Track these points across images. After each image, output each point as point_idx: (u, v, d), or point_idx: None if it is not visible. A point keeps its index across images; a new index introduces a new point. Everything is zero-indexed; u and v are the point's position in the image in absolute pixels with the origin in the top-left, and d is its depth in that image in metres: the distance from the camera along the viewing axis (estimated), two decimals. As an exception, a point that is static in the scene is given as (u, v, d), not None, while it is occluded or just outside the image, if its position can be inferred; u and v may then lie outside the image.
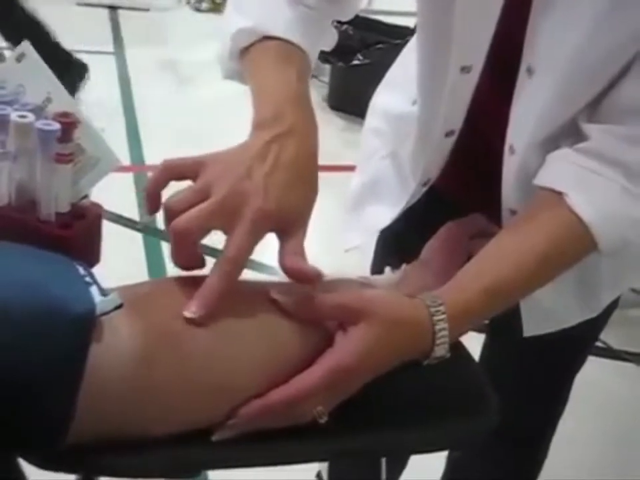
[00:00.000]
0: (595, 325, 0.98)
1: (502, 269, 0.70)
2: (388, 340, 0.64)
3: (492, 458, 1.12)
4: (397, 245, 1.03)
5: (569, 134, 0.76)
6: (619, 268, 0.88)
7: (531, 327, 0.89)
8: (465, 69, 0.79)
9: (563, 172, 0.73)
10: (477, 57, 0.78)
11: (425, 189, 0.93)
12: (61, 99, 0.68)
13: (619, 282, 0.91)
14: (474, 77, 0.80)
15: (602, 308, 0.92)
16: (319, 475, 1.38)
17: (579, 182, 0.72)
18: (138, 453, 0.59)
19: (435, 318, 0.66)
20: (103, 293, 0.56)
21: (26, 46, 0.68)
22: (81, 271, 0.58)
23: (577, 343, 1.03)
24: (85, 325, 0.54)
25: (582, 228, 0.70)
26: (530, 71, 0.74)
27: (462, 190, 0.92)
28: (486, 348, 1.09)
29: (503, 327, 0.94)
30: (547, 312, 0.88)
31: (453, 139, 0.86)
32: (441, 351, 0.67)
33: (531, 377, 1.06)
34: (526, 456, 1.16)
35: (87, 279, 0.57)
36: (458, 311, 0.67)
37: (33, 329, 0.52)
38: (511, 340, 0.97)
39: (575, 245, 0.72)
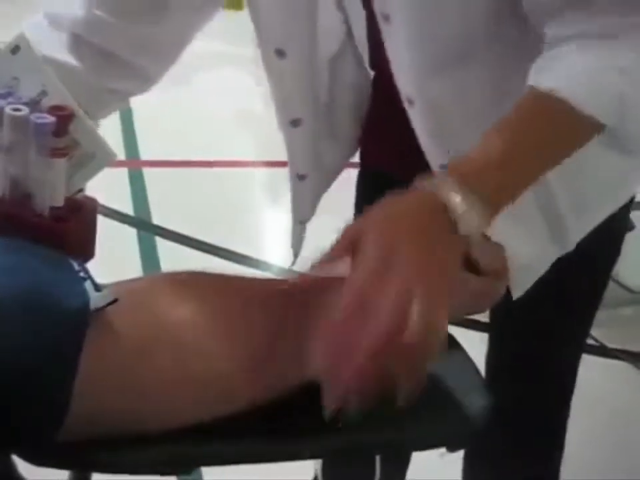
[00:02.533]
0: (584, 317, 1.01)
1: (495, 137, 0.68)
2: (395, 214, 0.61)
3: (509, 466, 1.12)
4: None
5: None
6: (576, 191, 0.84)
7: (518, 289, 0.86)
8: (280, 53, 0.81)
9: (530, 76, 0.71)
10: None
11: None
12: (55, 93, 0.68)
13: (581, 209, 0.87)
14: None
15: (573, 241, 0.87)
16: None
17: (541, 69, 0.70)
18: (131, 449, 0.59)
19: (438, 182, 0.63)
20: (97, 288, 0.56)
21: (21, 38, 0.68)
22: (75, 266, 0.58)
23: (568, 335, 1.04)
24: (79, 320, 0.53)
25: (558, 99, 0.67)
26: (385, 17, 0.75)
27: (394, 159, 0.92)
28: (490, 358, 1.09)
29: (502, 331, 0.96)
30: (526, 267, 0.86)
31: (301, 128, 0.86)
32: (472, 220, 0.62)
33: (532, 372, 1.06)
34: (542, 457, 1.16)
35: (81, 274, 0.57)
36: (465, 170, 0.64)
37: (27, 324, 0.52)
38: (510, 342, 0.99)
39: (562, 120, 0.69)
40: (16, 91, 0.67)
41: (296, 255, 0.99)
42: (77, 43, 0.81)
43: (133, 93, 0.91)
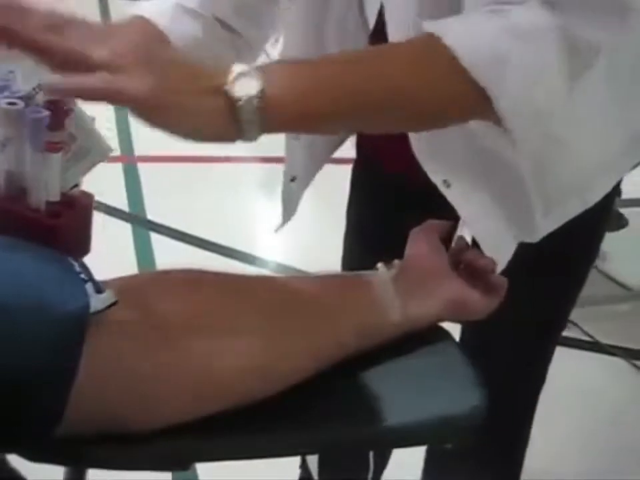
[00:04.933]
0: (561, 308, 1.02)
1: (333, 64, 0.67)
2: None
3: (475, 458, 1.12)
4: (373, 241, 1.04)
5: None
6: (543, 175, 0.85)
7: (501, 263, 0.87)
8: None
9: None
10: None
11: None
12: None
13: (549, 200, 0.88)
14: None
15: (539, 231, 0.88)
16: (304, 465, 1.37)
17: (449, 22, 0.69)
18: (127, 445, 0.59)
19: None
20: (99, 289, 0.55)
21: None
22: (77, 267, 0.57)
23: (543, 329, 1.04)
24: (78, 324, 0.53)
25: (435, 42, 0.66)
26: None
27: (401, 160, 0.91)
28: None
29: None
30: (495, 243, 0.86)
31: None
32: (244, 91, 0.59)
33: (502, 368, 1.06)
34: (506, 453, 1.15)
35: (83, 275, 0.56)
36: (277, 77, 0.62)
37: (26, 327, 0.51)
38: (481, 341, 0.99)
39: (429, 61, 0.67)
40: (12, 85, 0.67)
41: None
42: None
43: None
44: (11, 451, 0.56)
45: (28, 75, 0.67)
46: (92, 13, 4.19)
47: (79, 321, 0.53)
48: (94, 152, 0.69)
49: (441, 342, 0.75)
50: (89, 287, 0.55)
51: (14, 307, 0.51)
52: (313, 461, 1.19)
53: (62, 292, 0.54)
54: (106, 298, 0.55)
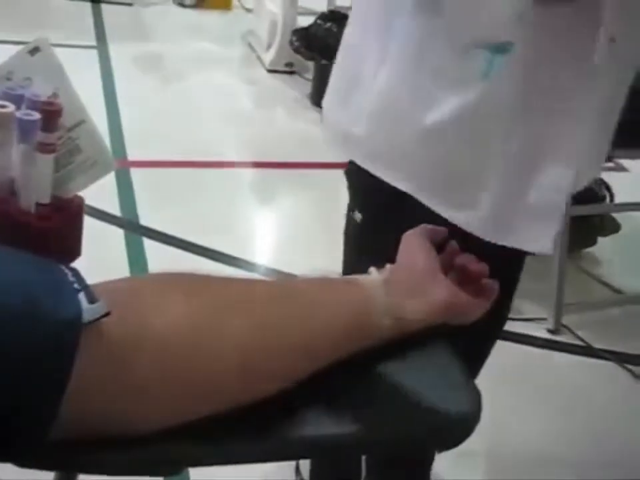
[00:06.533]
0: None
1: None
2: None
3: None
4: (371, 243, 1.04)
5: None
6: None
7: None
8: None
9: None
10: None
11: None
12: (67, 96, 0.68)
13: None
14: None
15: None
16: (297, 469, 1.37)
17: None
18: (118, 450, 0.59)
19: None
20: (91, 299, 0.55)
21: (43, 41, 0.68)
22: (70, 276, 0.57)
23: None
24: (71, 334, 0.53)
25: None
26: None
27: None
28: None
29: None
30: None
31: None
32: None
33: None
34: None
35: (76, 285, 0.56)
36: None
37: (18, 336, 0.51)
38: None
39: None
40: (27, 91, 0.67)
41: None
42: None
43: None
44: (2, 460, 0.56)
45: (45, 83, 0.67)
46: (85, 18, 4.20)
47: (72, 332, 0.53)
48: (99, 165, 0.69)
49: (433, 345, 0.75)
50: (82, 296, 0.55)
51: (6, 316, 0.51)
52: (305, 463, 1.18)
53: (55, 302, 0.53)
54: (98, 308, 0.55)
